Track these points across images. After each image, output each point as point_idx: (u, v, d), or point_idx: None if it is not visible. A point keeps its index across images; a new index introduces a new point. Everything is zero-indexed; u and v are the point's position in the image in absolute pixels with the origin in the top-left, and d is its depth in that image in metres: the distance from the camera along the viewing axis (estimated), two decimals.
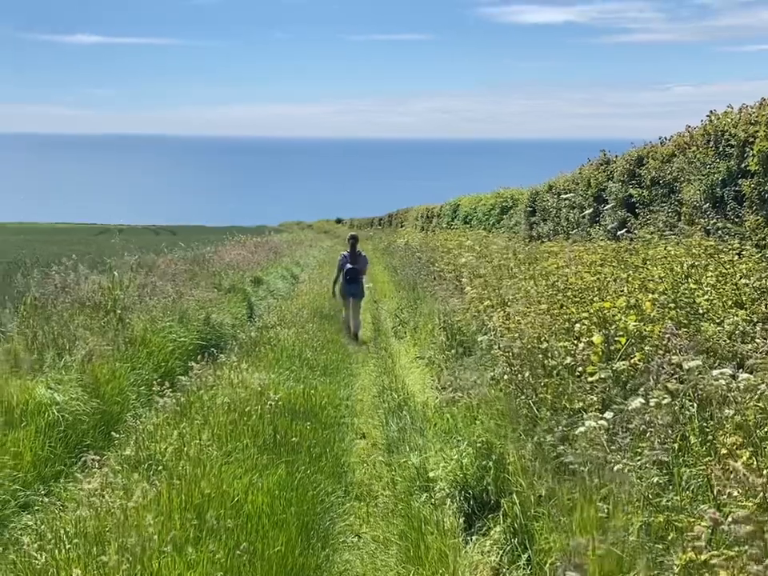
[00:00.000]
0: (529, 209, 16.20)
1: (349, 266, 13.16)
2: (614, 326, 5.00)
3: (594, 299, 5.38)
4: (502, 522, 4.60)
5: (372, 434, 7.57)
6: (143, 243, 19.07)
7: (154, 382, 7.14)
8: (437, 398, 7.67)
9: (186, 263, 15.01)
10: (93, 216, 74.76)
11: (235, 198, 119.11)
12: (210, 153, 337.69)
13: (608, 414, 3.52)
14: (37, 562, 4.10)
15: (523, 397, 5.02)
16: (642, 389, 4.36)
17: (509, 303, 6.95)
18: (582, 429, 3.49)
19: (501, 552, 4.46)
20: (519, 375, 5.17)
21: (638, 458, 3.65)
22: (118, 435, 6.45)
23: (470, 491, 5.17)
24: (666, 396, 3.44)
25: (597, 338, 4.77)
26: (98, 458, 5.31)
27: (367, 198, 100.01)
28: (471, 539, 4.78)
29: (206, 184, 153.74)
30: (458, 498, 5.16)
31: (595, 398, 4.60)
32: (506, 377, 5.40)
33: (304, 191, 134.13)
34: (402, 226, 39.47)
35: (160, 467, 5.42)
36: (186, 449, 5.73)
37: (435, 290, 12.09)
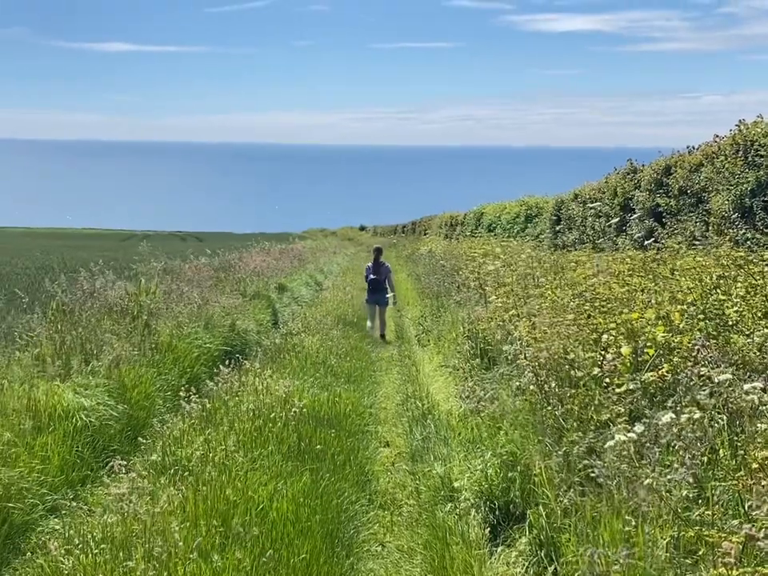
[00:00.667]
0: (554, 217, 16.12)
1: (372, 276, 14.19)
2: (642, 337, 4.96)
3: (623, 310, 5.33)
4: (527, 533, 4.57)
5: (396, 442, 7.55)
6: (169, 249, 19.24)
7: (181, 388, 7.18)
8: (461, 407, 7.64)
9: (212, 269, 15.11)
10: (119, 222, 75.54)
11: (259, 205, 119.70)
12: (234, 160, 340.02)
13: (638, 428, 3.48)
14: (64, 566, 4.13)
15: (549, 407, 4.99)
16: (670, 401, 4.32)
17: (534, 313, 6.91)
18: (611, 443, 3.46)
19: (526, 564, 4.43)
20: (545, 385, 5.14)
21: (667, 470, 3.61)
22: (144, 440, 6.49)
23: (494, 502, 5.14)
24: (696, 410, 3.40)
25: (626, 349, 4.73)
26: (125, 462, 5.34)
27: (391, 206, 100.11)
28: (496, 550, 4.74)
29: (231, 191, 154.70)
30: (482, 509, 5.14)
31: (622, 410, 4.56)
32: (531, 387, 5.37)
33: (327, 198, 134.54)
34: (425, 234, 39.45)
35: (186, 473, 5.44)
36: (211, 455, 5.75)
37: (459, 298, 12.06)
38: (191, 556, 4.13)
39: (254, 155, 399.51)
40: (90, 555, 4.22)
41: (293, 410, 6.78)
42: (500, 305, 8.21)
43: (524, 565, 4.44)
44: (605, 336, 5.12)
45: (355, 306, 15.43)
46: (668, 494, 3.52)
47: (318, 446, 6.34)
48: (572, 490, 4.32)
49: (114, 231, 64.05)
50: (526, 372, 5.46)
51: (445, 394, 8.92)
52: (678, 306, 5.44)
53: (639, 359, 4.95)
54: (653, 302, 5.70)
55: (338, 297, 16.95)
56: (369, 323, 13.90)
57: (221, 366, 8.12)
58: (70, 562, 4.15)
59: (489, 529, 4.84)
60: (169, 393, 8.17)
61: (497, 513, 5.08)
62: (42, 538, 4.96)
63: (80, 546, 4.33)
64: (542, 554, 4.33)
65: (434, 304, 14.20)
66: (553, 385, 5.05)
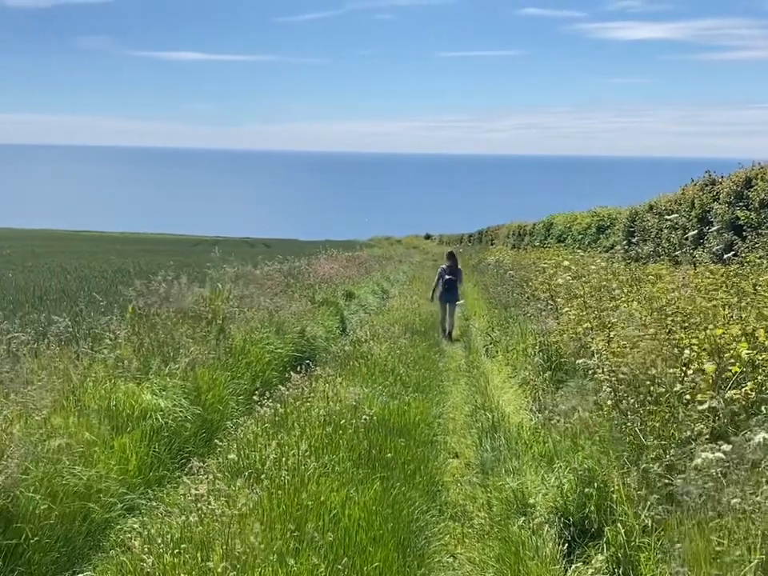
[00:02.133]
0: (629, 229, 15.83)
1: (447, 276, 15.40)
2: (726, 354, 4.82)
3: (706, 325, 5.20)
4: (604, 550, 4.49)
5: (465, 453, 7.50)
6: (239, 255, 19.56)
7: (254, 392, 7.28)
8: (532, 420, 7.55)
9: (282, 275, 15.31)
10: (189, 227, 77.09)
11: (326, 213, 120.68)
12: (301, 168, 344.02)
13: (725, 447, 3.38)
14: (145, 564, 4.22)
15: (629, 423, 4.89)
16: (754, 420, 4.19)
17: (610, 326, 6.79)
18: (697, 461, 3.37)
19: None
20: (624, 402, 5.04)
21: (753, 488, 3.50)
22: (220, 442, 6.59)
23: (569, 518, 5.07)
24: None
25: (709, 366, 4.60)
26: (202, 464, 5.44)
27: (457, 214, 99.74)
28: (571, 567, 4.67)
29: (296, 198, 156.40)
30: (557, 524, 5.07)
31: (704, 427, 4.44)
32: (609, 402, 5.27)
33: (394, 206, 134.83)
34: (492, 244, 39.20)
35: (262, 476, 5.51)
36: (284, 459, 5.81)
37: (528, 309, 11.93)
38: (269, 559, 4.17)
39: (320, 164, 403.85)
40: (170, 554, 4.30)
41: (363, 417, 6.81)
42: (573, 317, 8.09)
43: None
44: (686, 351, 5.00)
45: (422, 315, 15.43)
46: (756, 513, 3.42)
47: (389, 455, 6.35)
48: (652, 507, 4.23)
49: (185, 237, 65.37)
50: (603, 386, 5.36)
51: (515, 407, 8.83)
52: (763, 323, 5.27)
53: (722, 376, 4.82)
54: (734, 317, 5.54)
55: (405, 305, 16.99)
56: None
57: (291, 372, 8.21)
58: (151, 560, 4.24)
59: (566, 545, 4.77)
60: (241, 396, 8.30)
61: (571, 529, 5.01)
62: (121, 536, 5.09)
63: (161, 545, 4.42)
64: (620, 572, 4.25)
65: (502, 314, 14.09)
66: (632, 400, 4.95)
